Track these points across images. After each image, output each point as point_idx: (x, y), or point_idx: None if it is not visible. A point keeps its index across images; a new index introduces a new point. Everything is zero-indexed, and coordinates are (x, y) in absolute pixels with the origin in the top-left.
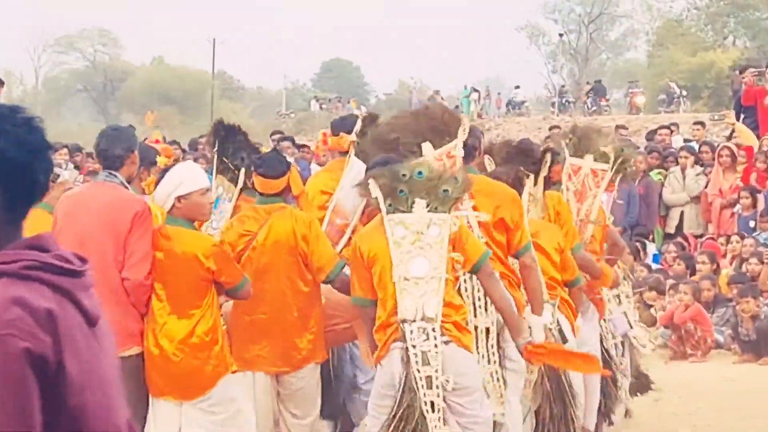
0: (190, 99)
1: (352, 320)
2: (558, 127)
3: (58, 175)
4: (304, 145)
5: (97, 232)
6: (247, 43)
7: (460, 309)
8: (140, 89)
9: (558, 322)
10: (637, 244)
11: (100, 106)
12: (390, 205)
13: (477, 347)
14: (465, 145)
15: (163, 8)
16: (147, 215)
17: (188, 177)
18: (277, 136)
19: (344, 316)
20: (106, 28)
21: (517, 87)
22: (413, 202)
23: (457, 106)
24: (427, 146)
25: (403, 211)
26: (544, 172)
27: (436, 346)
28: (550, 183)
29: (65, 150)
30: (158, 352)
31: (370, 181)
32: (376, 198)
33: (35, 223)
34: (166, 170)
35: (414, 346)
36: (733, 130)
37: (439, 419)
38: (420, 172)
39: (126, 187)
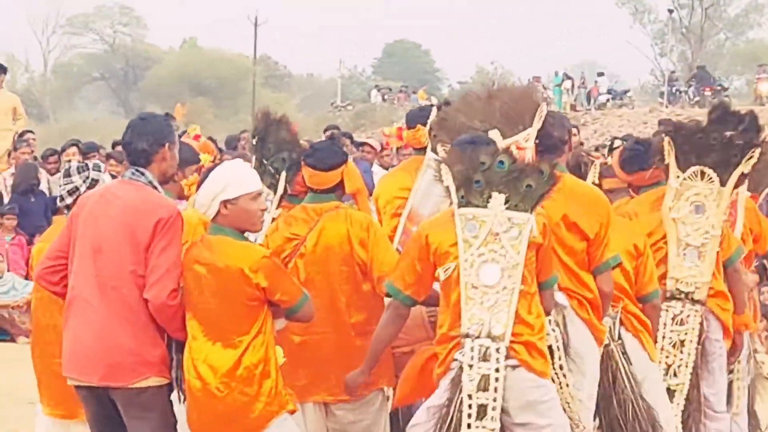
0: (227, 88)
1: (415, 343)
2: (668, 120)
3: (97, 180)
4: (364, 143)
5: (116, 238)
6: (295, 22)
7: (536, 329)
8: (168, 77)
9: (620, 337)
10: (764, 261)
11: (121, 97)
12: (462, 197)
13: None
14: (551, 136)
15: None
16: (174, 223)
17: (235, 178)
18: (331, 132)
19: (407, 338)
20: (128, 5)
21: (601, 74)
22: (489, 196)
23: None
24: (494, 134)
25: (477, 206)
26: (746, 168)
27: (497, 370)
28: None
29: (74, 149)
30: (200, 386)
31: (443, 167)
32: (447, 187)
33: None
34: (210, 170)
35: (471, 366)
36: None
37: None
38: (501, 162)
39: (155, 188)
